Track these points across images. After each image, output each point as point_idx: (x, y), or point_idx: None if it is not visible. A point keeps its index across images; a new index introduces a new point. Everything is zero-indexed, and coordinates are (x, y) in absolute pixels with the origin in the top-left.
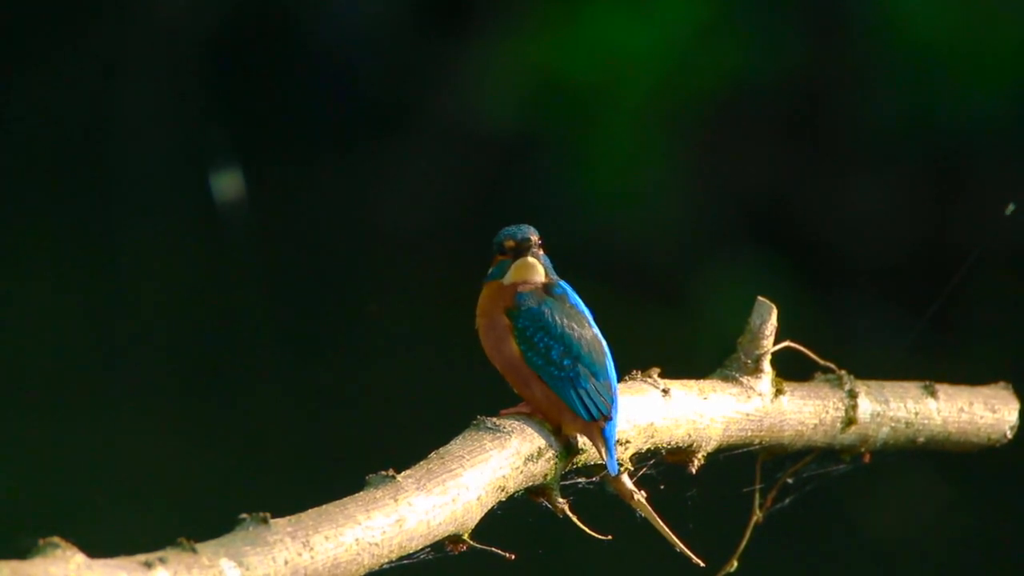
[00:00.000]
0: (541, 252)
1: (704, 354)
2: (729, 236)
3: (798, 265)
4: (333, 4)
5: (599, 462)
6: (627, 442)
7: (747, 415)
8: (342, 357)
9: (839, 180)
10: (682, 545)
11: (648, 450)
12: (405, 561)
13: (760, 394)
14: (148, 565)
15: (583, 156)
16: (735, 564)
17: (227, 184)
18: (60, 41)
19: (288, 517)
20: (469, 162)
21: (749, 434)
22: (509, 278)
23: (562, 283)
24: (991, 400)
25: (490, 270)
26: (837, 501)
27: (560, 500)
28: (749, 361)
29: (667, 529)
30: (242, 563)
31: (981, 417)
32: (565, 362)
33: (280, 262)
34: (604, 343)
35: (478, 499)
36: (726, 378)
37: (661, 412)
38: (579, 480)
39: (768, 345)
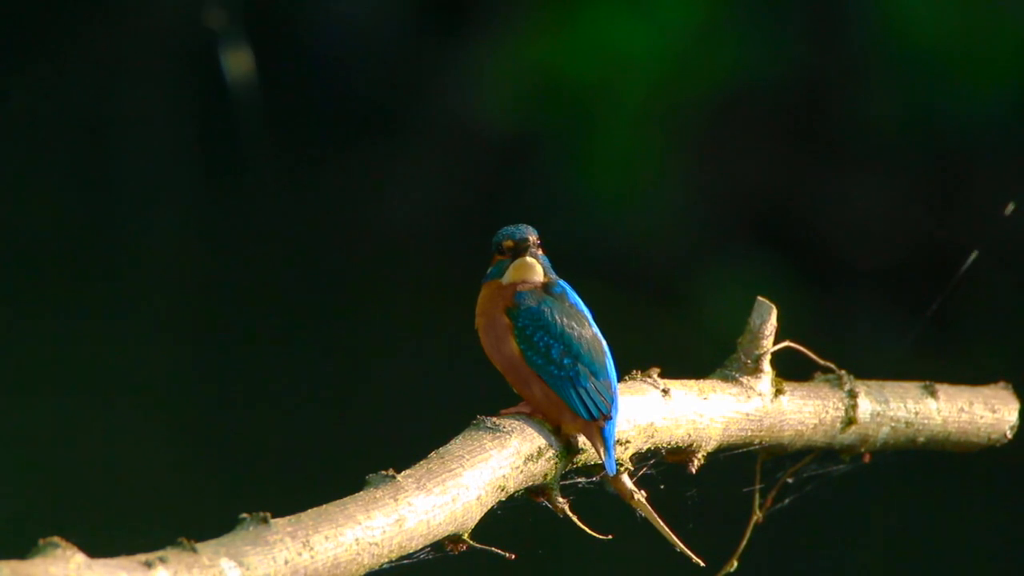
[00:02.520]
0: (540, 251)
1: (704, 354)
2: (729, 236)
3: (798, 265)
4: (333, 4)
5: (599, 462)
6: (627, 442)
7: (747, 415)
8: (342, 357)
9: (839, 180)
10: (682, 545)
11: (648, 450)
12: (405, 561)
13: (760, 394)
14: (148, 565)
15: (583, 156)
16: (735, 564)
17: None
18: (62, 41)
19: (288, 517)
20: (469, 162)
21: (749, 434)
22: (508, 277)
23: (561, 282)
24: (991, 400)
25: (489, 270)
26: (837, 501)
27: (560, 500)
28: (749, 361)
29: (667, 529)
30: (242, 563)
31: (981, 417)
32: (565, 361)
33: (280, 261)
34: (604, 342)
35: (478, 499)
36: (726, 378)
37: (661, 412)
38: (579, 480)
39: (768, 345)
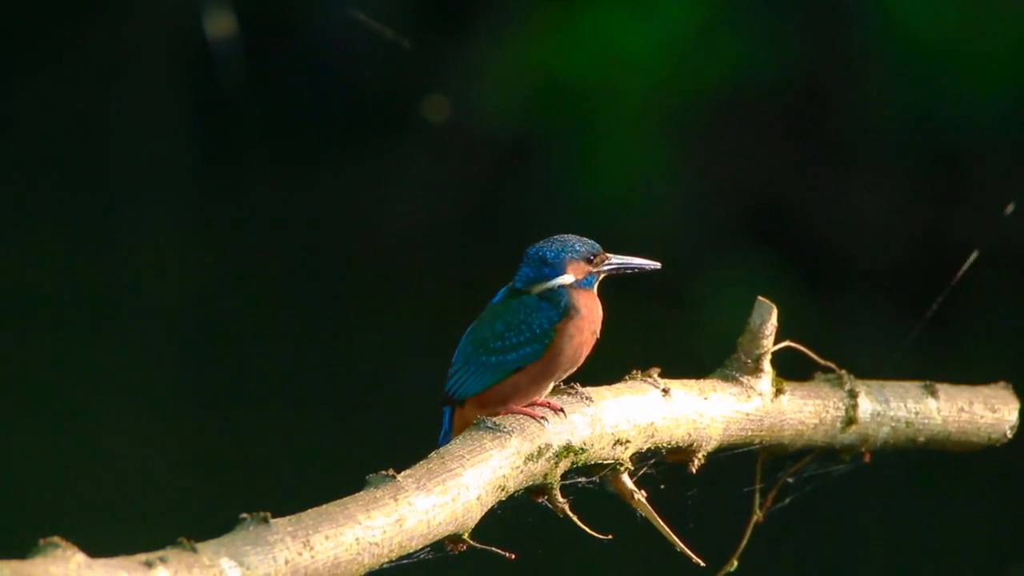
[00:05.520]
0: None
1: (704, 354)
2: (729, 236)
3: (798, 265)
4: (334, 4)
5: (599, 462)
6: (627, 442)
7: (747, 415)
8: (342, 356)
9: (839, 180)
10: (682, 545)
11: (648, 450)
12: (405, 561)
13: (760, 394)
14: (149, 565)
15: (583, 156)
16: (735, 564)
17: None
18: (62, 42)
19: (288, 517)
20: (469, 162)
21: (749, 434)
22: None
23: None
24: (991, 400)
25: (588, 277)
26: (837, 501)
27: (560, 500)
28: (749, 361)
29: (667, 529)
30: (243, 563)
31: (981, 417)
32: None
33: (280, 262)
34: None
35: (478, 499)
36: (726, 378)
37: (661, 412)
38: (579, 480)
39: (768, 345)
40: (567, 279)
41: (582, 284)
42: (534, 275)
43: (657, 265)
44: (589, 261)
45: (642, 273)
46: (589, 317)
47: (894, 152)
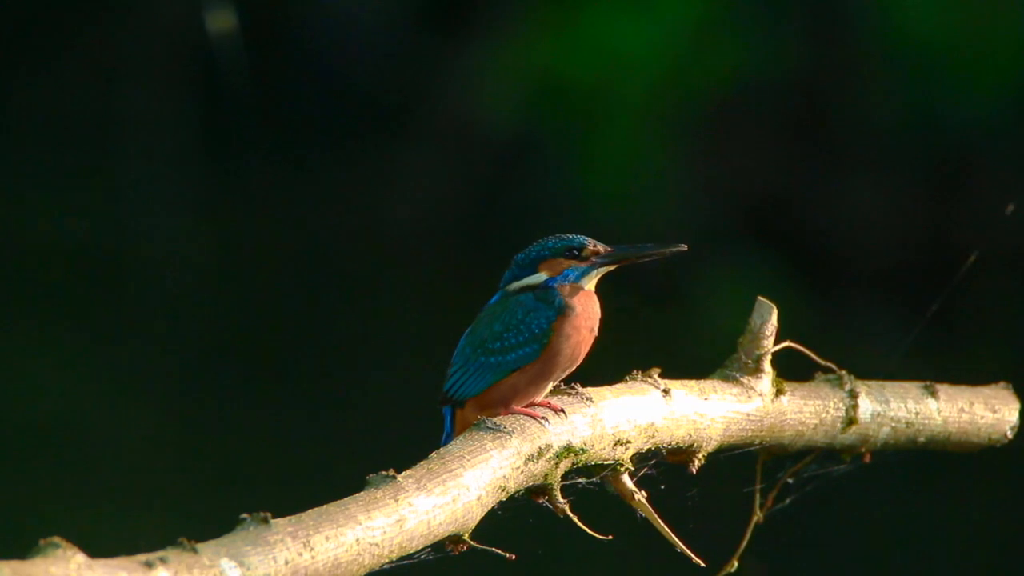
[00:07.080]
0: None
1: (704, 354)
2: (729, 236)
3: (799, 265)
4: (334, 5)
5: (599, 462)
6: (628, 442)
7: (747, 415)
8: (343, 356)
9: (839, 179)
10: (682, 545)
11: (649, 450)
12: (405, 561)
13: (760, 394)
14: (149, 565)
15: (583, 156)
16: (735, 564)
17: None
18: (64, 41)
19: (289, 517)
20: (469, 162)
21: (749, 434)
22: (591, 285)
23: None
24: (991, 400)
25: (567, 272)
26: (837, 501)
27: (561, 500)
28: (749, 361)
29: (667, 529)
30: (243, 563)
31: (982, 417)
32: None
33: (280, 262)
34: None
35: (478, 499)
36: (726, 378)
37: (662, 412)
38: (579, 480)
39: (768, 345)
40: (540, 277)
41: (570, 279)
42: (510, 277)
43: (681, 248)
44: (571, 256)
45: (651, 261)
46: (585, 315)
47: (894, 152)
